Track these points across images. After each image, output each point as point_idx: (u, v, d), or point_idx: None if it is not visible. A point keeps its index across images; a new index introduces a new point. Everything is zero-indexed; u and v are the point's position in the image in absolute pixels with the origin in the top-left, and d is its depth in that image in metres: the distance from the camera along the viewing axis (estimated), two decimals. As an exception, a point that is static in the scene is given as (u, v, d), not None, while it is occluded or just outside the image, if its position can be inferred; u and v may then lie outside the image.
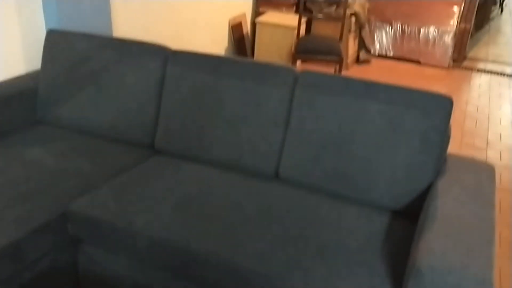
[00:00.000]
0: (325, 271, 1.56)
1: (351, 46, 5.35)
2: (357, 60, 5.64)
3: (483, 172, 1.91)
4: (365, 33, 5.74)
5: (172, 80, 2.26)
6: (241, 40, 4.82)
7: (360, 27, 5.58)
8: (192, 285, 1.76)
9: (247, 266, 1.59)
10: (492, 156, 3.71)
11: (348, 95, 1.98)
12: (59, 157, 2.16)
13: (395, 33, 5.78)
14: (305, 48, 4.20)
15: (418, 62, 5.76)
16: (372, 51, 5.89)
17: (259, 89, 2.10)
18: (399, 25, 5.74)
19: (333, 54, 4.16)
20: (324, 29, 5.18)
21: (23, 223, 1.71)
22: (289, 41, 4.71)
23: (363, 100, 1.96)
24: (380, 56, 5.91)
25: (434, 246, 1.42)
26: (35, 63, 2.77)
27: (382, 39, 5.86)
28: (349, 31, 5.15)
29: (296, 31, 4.43)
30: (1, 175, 1.97)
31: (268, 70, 2.11)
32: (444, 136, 1.89)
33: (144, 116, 2.31)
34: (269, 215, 1.83)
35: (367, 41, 5.81)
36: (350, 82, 2.01)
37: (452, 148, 3.70)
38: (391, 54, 5.87)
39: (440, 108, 1.89)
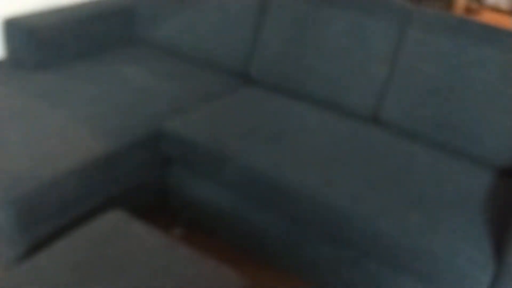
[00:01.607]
0: (421, 221, 1.47)
1: (461, -6, 4.95)
2: (466, 10, 5.24)
3: None
4: (478, -19, 5.29)
5: (274, 7, 2.16)
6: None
7: (473, -26, 5.14)
8: (278, 218, 1.73)
9: (339, 204, 1.53)
10: None
11: (464, 38, 1.82)
12: (154, 76, 2.17)
13: (512, -17, 5.28)
14: (412, -9, 3.93)
15: (534, 18, 5.26)
16: (483, 2, 5.44)
17: (367, 22, 1.96)
18: (518, -25, 5.23)
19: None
20: (433, -26, 4.81)
21: (120, 137, 1.74)
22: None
23: (481, 45, 1.80)
24: (492, 8, 5.45)
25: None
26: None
27: (496, -11, 5.37)
28: (461, -23, 4.76)
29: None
30: (99, 89, 2.01)
31: (379, 3, 1.96)
32: None
33: (241, 43, 2.25)
34: (365, 157, 1.74)
35: (479, -10, 5.36)
36: (469, 24, 1.84)
37: None
38: (505, 7, 5.38)
39: None
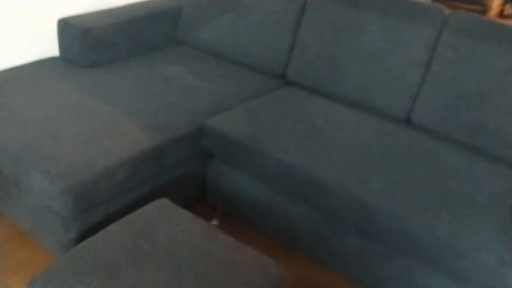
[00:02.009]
0: (450, 219, 1.53)
1: (496, -2, 4.91)
2: (501, 15, 5.20)
3: None
4: (515, -15, 5.23)
5: (313, 11, 2.25)
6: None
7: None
8: (311, 212, 1.82)
9: (370, 200, 1.60)
10: None
11: (500, 44, 1.86)
12: (197, 76, 2.28)
13: (549, -13, 5.20)
14: (447, -5, 3.95)
15: None
16: (518, 6, 5.37)
17: (403, 27, 2.02)
18: (556, -21, 5.14)
19: (476, 3, 3.88)
20: (469, -23, 4.79)
21: (165, 132, 1.85)
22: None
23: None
24: (528, 12, 5.38)
25: None
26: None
27: (533, -7, 5.30)
28: (497, -19, 4.72)
29: (438, -24, 4.16)
30: (146, 87, 2.13)
31: (415, 8, 2.02)
32: None
33: (279, 46, 2.34)
34: (397, 157, 1.81)
35: (515, -6, 5.30)
36: (503, 29, 1.87)
37: None
38: (541, 11, 5.31)
39: None
